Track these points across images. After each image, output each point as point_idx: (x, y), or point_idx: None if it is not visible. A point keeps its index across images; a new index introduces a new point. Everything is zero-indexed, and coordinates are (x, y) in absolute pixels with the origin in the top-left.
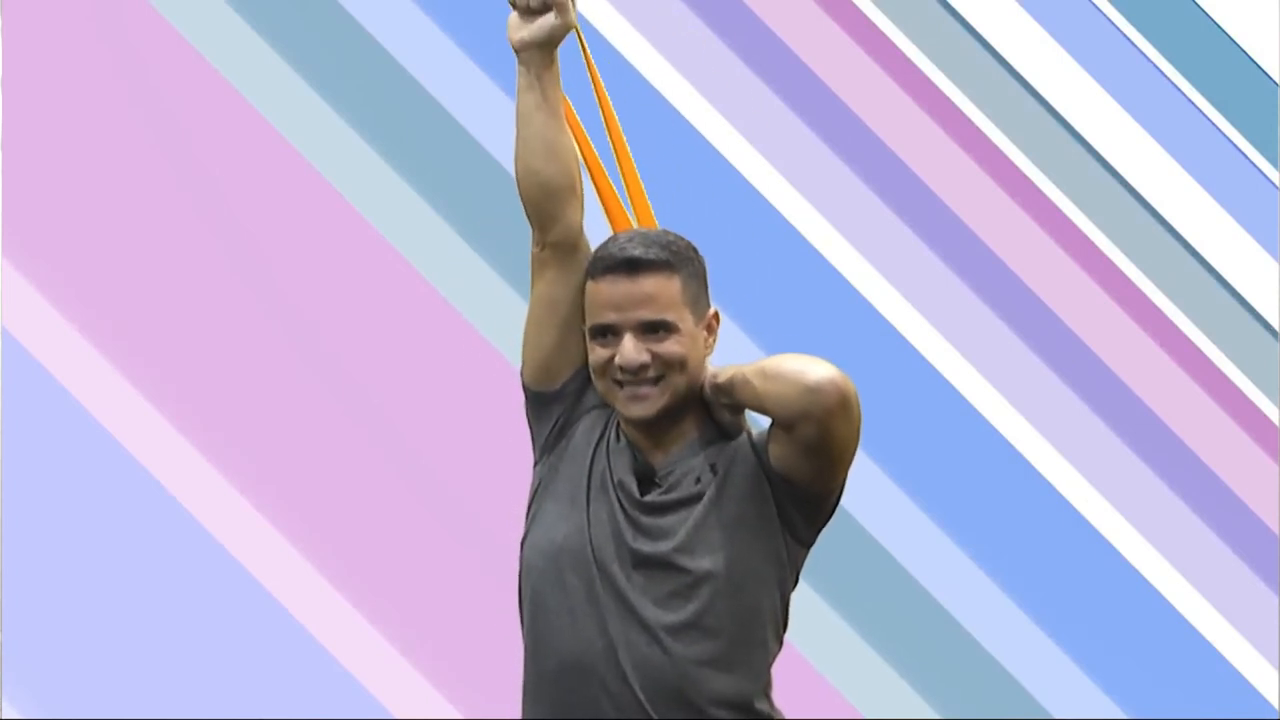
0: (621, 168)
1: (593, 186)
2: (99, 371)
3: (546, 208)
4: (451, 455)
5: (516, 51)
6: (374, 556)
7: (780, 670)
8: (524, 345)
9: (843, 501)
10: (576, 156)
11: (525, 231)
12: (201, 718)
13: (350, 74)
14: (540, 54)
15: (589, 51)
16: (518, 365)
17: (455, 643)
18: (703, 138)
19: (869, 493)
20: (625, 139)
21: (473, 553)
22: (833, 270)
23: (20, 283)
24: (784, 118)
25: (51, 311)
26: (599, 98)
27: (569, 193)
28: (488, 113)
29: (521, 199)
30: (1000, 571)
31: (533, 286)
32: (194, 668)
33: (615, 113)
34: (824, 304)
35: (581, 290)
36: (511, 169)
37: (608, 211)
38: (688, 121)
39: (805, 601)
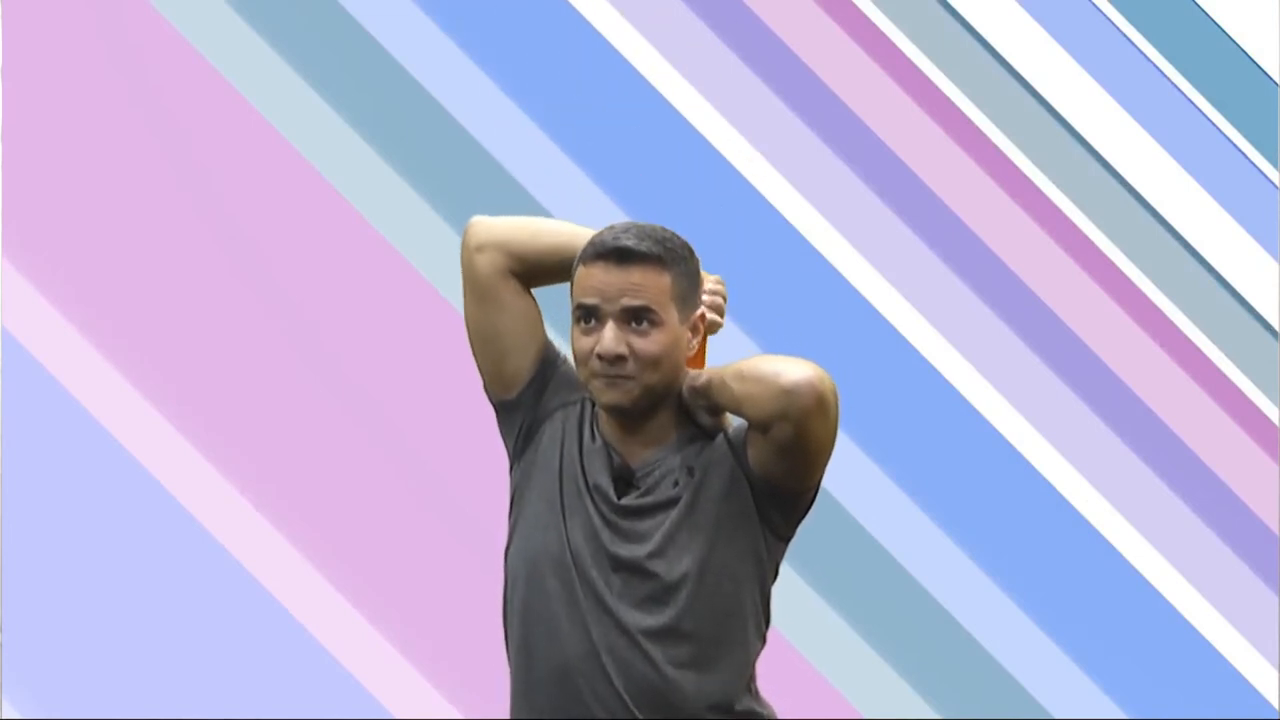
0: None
1: None
2: (99, 371)
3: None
4: (451, 455)
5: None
6: (374, 556)
7: (779, 670)
8: (475, 359)
9: (843, 501)
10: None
11: None
12: (201, 718)
13: (350, 74)
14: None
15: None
16: None
17: (455, 643)
18: (702, 138)
19: (869, 492)
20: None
21: (472, 553)
22: (833, 270)
23: (20, 283)
24: (784, 118)
25: (51, 311)
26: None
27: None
28: (488, 113)
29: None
30: (1000, 571)
31: (465, 301)
32: (194, 668)
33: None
34: (824, 304)
35: (519, 300)
36: (513, 169)
37: None
38: (687, 122)
39: (804, 601)
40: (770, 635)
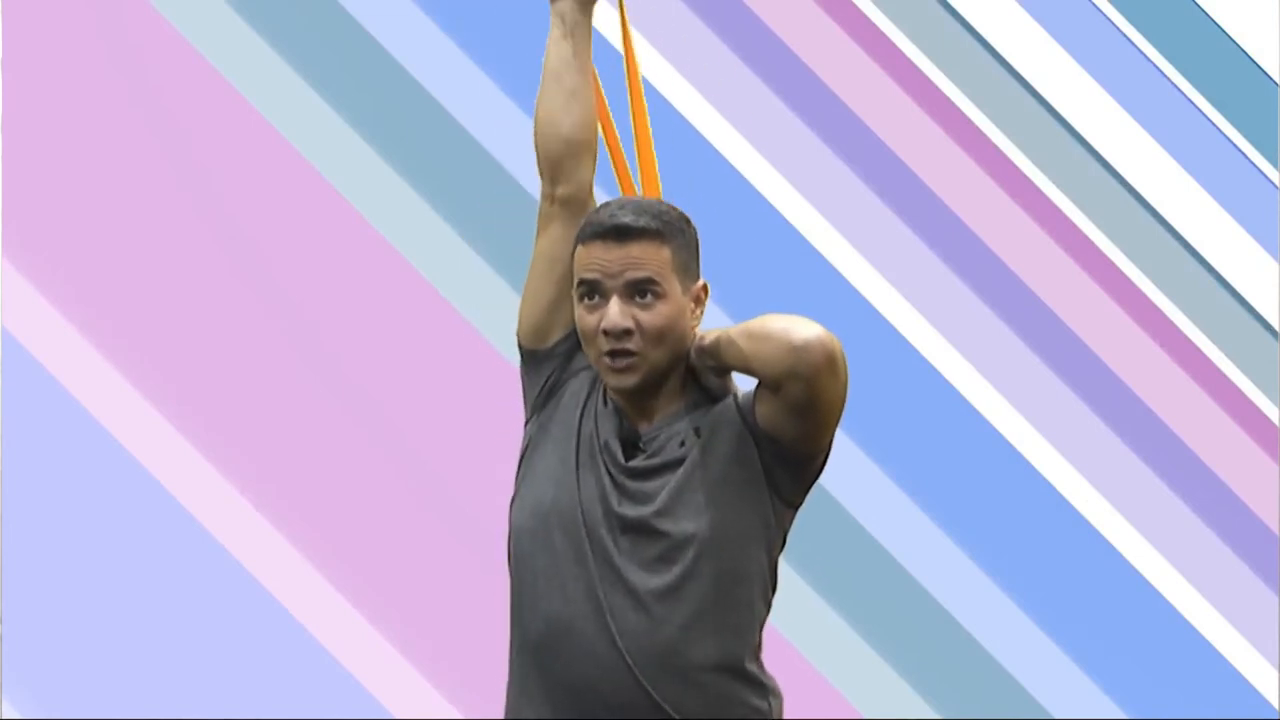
0: (638, 137)
1: (607, 151)
2: (99, 371)
3: (562, 162)
4: (451, 455)
5: (554, 1)
6: (374, 556)
7: (780, 670)
8: (521, 302)
9: (843, 501)
10: (596, 115)
11: (525, 232)
12: (201, 718)
13: (350, 74)
14: (578, 9)
15: (627, 19)
16: (517, 366)
17: (455, 643)
18: (702, 138)
19: (869, 492)
20: (646, 110)
21: (473, 553)
22: (833, 270)
23: (20, 283)
24: (784, 118)
25: (51, 311)
26: (629, 65)
27: (586, 150)
28: (488, 113)
29: (537, 150)
30: (1000, 571)
31: (536, 241)
32: (194, 668)
33: (641, 84)
34: (824, 304)
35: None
36: (513, 169)
37: (619, 178)
38: (687, 121)
39: (805, 600)
40: (770, 635)
